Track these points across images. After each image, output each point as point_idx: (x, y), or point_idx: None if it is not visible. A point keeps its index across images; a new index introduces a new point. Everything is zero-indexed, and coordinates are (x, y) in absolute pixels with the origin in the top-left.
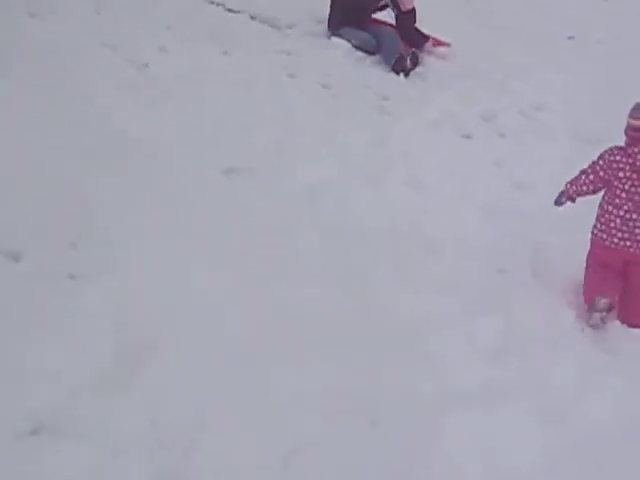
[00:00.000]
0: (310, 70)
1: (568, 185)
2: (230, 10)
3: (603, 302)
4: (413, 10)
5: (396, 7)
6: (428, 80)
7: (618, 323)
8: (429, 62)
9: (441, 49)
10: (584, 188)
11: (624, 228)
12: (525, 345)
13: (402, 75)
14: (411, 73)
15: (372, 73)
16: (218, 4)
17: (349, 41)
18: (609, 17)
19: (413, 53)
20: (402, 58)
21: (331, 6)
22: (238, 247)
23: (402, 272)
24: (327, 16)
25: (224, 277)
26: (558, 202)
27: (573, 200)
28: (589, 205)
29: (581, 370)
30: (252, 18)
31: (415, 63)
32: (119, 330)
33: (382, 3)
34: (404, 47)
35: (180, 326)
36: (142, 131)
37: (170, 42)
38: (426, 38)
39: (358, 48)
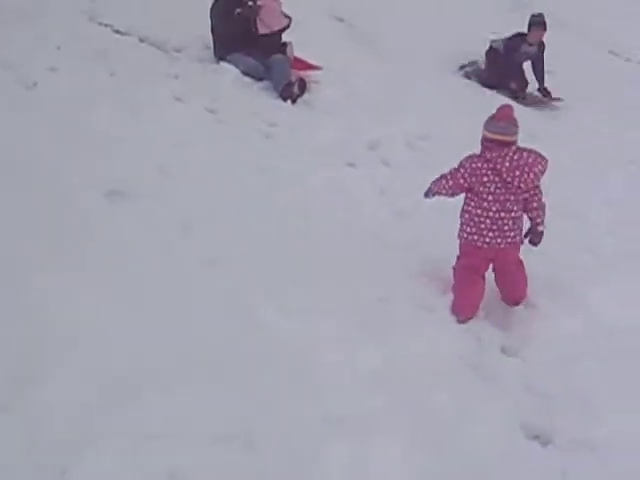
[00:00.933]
0: (197, 94)
1: (431, 184)
2: (118, 32)
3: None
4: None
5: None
6: (315, 107)
7: (495, 348)
8: (316, 89)
9: (312, 72)
10: (443, 191)
11: (494, 227)
12: (404, 373)
13: (289, 102)
14: (298, 100)
15: (260, 99)
16: (107, 25)
17: (237, 66)
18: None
19: (301, 80)
20: (290, 85)
21: (212, 32)
22: (119, 276)
23: (283, 297)
24: (212, 42)
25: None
26: (426, 196)
27: (432, 196)
28: None
29: (459, 398)
30: (141, 40)
31: (302, 90)
32: None
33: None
34: (293, 73)
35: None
36: (26, 152)
37: (59, 62)
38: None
39: (246, 74)
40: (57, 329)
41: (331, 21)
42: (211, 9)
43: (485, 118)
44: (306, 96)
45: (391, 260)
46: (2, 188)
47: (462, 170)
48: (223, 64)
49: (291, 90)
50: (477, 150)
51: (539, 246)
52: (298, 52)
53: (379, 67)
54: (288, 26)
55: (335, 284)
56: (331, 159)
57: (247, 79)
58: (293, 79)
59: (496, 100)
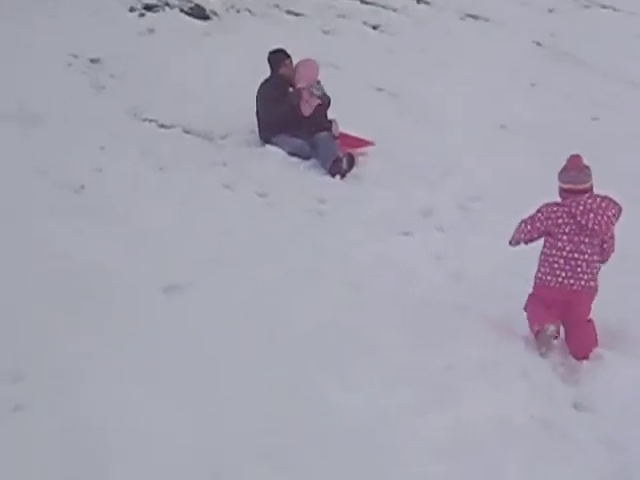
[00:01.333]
0: (246, 180)
1: (514, 235)
2: (163, 126)
3: (552, 329)
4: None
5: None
6: (364, 180)
7: (567, 404)
8: (364, 162)
9: (366, 149)
10: (522, 236)
11: (567, 267)
12: (476, 439)
13: (338, 177)
14: (347, 175)
15: (308, 177)
16: (151, 120)
17: (283, 148)
18: (538, 102)
19: (349, 155)
20: (338, 160)
21: (258, 119)
22: (177, 369)
23: (344, 372)
24: (257, 126)
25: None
26: (510, 244)
27: (517, 244)
28: None
29: (533, 460)
30: (186, 132)
31: (351, 164)
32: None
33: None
34: (340, 149)
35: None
36: (81, 255)
37: (105, 162)
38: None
39: (293, 154)
40: (122, 427)
41: (372, 92)
42: (257, 95)
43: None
44: (354, 170)
45: (452, 324)
46: (65, 298)
47: (539, 214)
48: (269, 147)
49: (339, 166)
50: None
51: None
52: (345, 127)
53: (424, 134)
54: (329, 104)
55: (396, 354)
56: (384, 231)
57: (294, 159)
58: (340, 155)
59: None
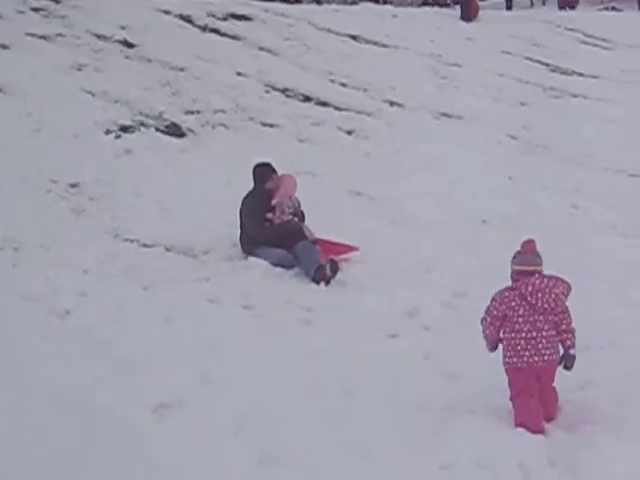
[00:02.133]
0: (231, 293)
1: (488, 348)
2: (145, 245)
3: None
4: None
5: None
6: (349, 285)
7: None
8: (347, 267)
9: (351, 254)
10: (487, 332)
11: (529, 347)
12: None
13: (323, 284)
14: (332, 281)
15: (293, 287)
16: (132, 241)
17: (266, 259)
18: (517, 195)
19: (332, 261)
20: (322, 267)
21: (241, 231)
22: None
23: None
24: (239, 239)
25: None
26: (489, 349)
27: (494, 348)
28: None
29: None
30: (167, 250)
31: (335, 270)
32: None
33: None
34: (323, 256)
35: None
36: (69, 381)
37: (89, 285)
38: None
39: (276, 265)
40: None
41: (350, 197)
42: (242, 208)
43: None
44: (338, 276)
45: (446, 424)
46: (52, 426)
47: (494, 303)
48: (252, 259)
49: (323, 272)
50: None
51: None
52: (326, 233)
53: (405, 235)
54: (303, 219)
55: (391, 458)
56: (372, 334)
57: (278, 269)
58: (323, 261)
59: None
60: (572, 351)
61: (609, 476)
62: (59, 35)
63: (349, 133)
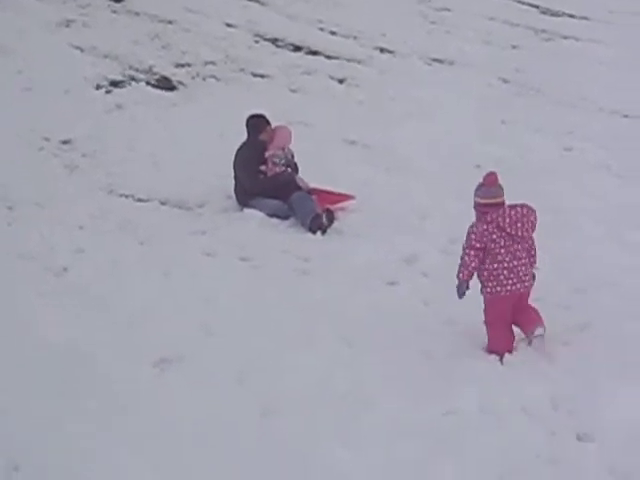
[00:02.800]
0: (227, 245)
1: (460, 275)
2: (139, 200)
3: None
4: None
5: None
6: (345, 234)
7: (570, 438)
8: (344, 216)
9: (347, 203)
10: (473, 264)
11: (512, 275)
12: None
13: (319, 233)
14: (328, 230)
15: (289, 237)
16: (127, 196)
17: (262, 210)
18: (510, 139)
19: (328, 210)
20: (318, 216)
21: (235, 183)
22: (172, 444)
23: (342, 432)
24: (234, 190)
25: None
26: (460, 294)
27: (469, 286)
28: None
29: None
30: (162, 204)
31: (331, 220)
32: None
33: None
34: (319, 205)
35: None
36: (68, 337)
37: (85, 242)
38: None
39: (272, 216)
40: None
41: (345, 145)
42: (235, 160)
43: None
44: (335, 224)
45: (447, 370)
46: (52, 383)
47: (473, 236)
48: (247, 210)
49: (319, 222)
50: None
51: None
52: (321, 183)
53: (400, 182)
54: (296, 170)
55: (395, 406)
56: (370, 282)
57: (274, 220)
58: (319, 211)
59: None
60: (535, 271)
61: (612, 418)
62: None
63: (341, 81)
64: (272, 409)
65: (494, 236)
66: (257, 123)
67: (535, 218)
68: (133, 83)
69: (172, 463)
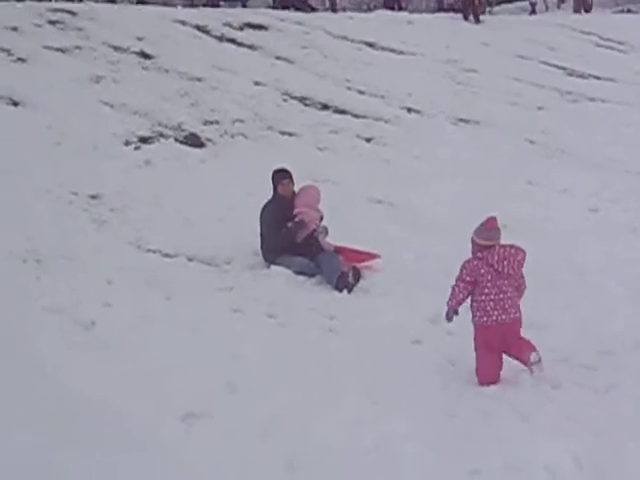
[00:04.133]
0: (254, 302)
1: (449, 302)
2: (167, 255)
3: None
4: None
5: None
6: (371, 292)
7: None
8: (369, 274)
9: (372, 262)
10: (461, 295)
11: (497, 307)
12: None
13: (346, 292)
14: (354, 288)
15: (315, 295)
16: (155, 251)
17: (288, 267)
18: (537, 200)
19: (354, 268)
20: (344, 275)
21: (261, 240)
22: None
23: None
24: (260, 248)
25: None
26: (449, 318)
27: (457, 312)
28: None
29: None
30: (189, 260)
31: (357, 278)
32: None
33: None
34: (345, 264)
35: None
36: (96, 390)
37: (113, 296)
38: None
39: (298, 273)
40: None
41: (371, 204)
42: (260, 216)
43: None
44: (361, 283)
45: (474, 428)
46: (80, 437)
47: (464, 271)
48: (274, 267)
49: (346, 280)
50: None
51: None
52: (347, 241)
53: (425, 242)
54: (326, 232)
55: (419, 464)
56: (395, 340)
57: (300, 278)
58: (345, 269)
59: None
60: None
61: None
62: (76, 47)
63: (368, 140)
64: (297, 465)
65: (482, 270)
66: (276, 177)
67: (522, 258)
68: (162, 139)
69: None
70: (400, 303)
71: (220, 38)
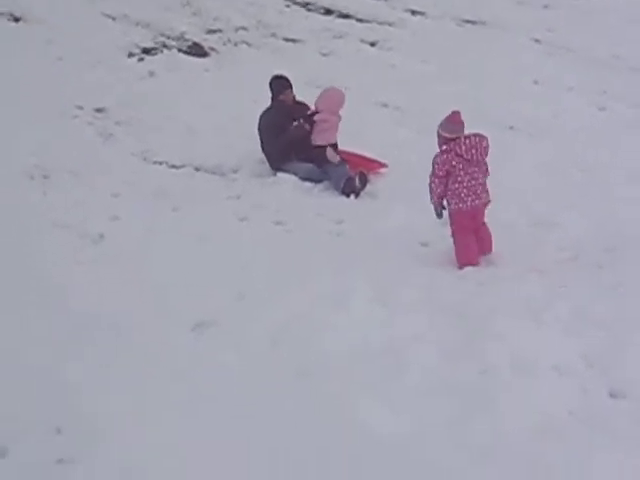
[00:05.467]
0: (261, 210)
1: (432, 200)
2: (173, 166)
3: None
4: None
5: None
6: (379, 197)
7: (603, 395)
8: (376, 179)
9: (379, 170)
10: (439, 190)
11: (470, 192)
12: (516, 441)
13: (353, 196)
14: (361, 193)
15: (323, 200)
16: (161, 163)
17: (295, 174)
18: (543, 99)
19: (361, 173)
20: (351, 180)
21: (263, 147)
22: (212, 408)
23: (378, 391)
24: (265, 156)
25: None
26: (438, 215)
27: (443, 206)
28: None
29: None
30: (196, 170)
31: (364, 183)
32: None
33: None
34: (350, 169)
35: None
36: (105, 305)
37: (120, 209)
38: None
39: (305, 179)
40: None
41: (378, 108)
42: (259, 125)
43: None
44: (368, 187)
45: (481, 327)
46: (91, 351)
47: (436, 166)
48: (280, 174)
49: (353, 185)
50: None
51: None
52: (355, 146)
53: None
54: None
55: (429, 365)
56: (403, 243)
57: (307, 184)
58: (352, 174)
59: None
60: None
61: None
62: None
63: (372, 44)
64: (307, 370)
65: (453, 162)
66: (277, 85)
67: (487, 144)
68: (165, 50)
69: (209, 424)
70: (408, 206)
71: None
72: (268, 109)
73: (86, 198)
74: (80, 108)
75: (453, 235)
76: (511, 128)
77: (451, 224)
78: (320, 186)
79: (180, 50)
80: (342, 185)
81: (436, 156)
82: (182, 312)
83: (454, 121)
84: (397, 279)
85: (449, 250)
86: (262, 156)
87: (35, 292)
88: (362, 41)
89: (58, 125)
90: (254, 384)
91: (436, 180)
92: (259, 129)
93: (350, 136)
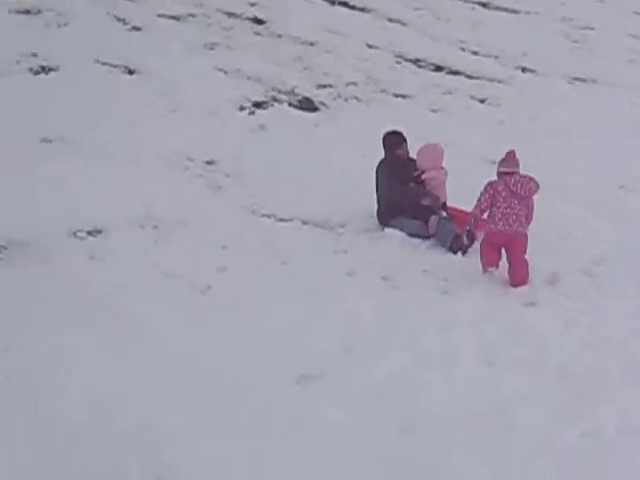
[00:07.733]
0: (368, 264)
1: (471, 222)
2: (281, 219)
3: (490, 270)
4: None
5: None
6: None
7: None
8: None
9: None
10: (481, 206)
11: (503, 218)
12: None
13: (460, 254)
14: (468, 250)
15: (430, 257)
16: (269, 216)
17: (402, 230)
18: None
19: (468, 231)
20: (458, 237)
21: (378, 201)
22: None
23: (481, 452)
24: (376, 210)
25: None
26: (466, 237)
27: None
28: None
29: None
30: (304, 223)
31: (472, 240)
32: None
33: (425, 202)
34: (458, 226)
35: None
36: (214, 355)
37: (228, 261)
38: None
39: (412, 235)
40: None
41: (487, 165)
42: (377, 176)
43: None
44: (475, 245)
45: (588, 391)
46: (198, 401)
47: (488, 188)
48: (388, 230)
49: (460, 242)
50: None
51: None
52: (462, 203)
53: (542, 202)
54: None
55: (534, 427)
56: (510, 302)
57: (414, 240)
58: (459, 231)
59: None
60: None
61: None
62: (190, 15)
63: (481, 101)
64: (411, 426)
65: (499, 188)
66: (392, 140)
67: (534, 186)
68: (276, 104)
69: (318, 474)
70: None
71: (332, 2)
72: (384, 162)
73: (195, 249)
74: (191, 160)
75: (480, 246)
76: (621, 187)
77: (481, 242)
78: (427, 242)
79: (291, 104)
80: (449, 242)
81: (487, 184)
82: (287, 364)
83: (511, 158)
84: (503, 339)
85: (557, 311)
86: (370, 210)
87: (142, 346)
88: (472, 97)
89: (169, 176)
90: (358, 439)
91: (482, 198)
92: (377, 179)
93: (457, 192)
